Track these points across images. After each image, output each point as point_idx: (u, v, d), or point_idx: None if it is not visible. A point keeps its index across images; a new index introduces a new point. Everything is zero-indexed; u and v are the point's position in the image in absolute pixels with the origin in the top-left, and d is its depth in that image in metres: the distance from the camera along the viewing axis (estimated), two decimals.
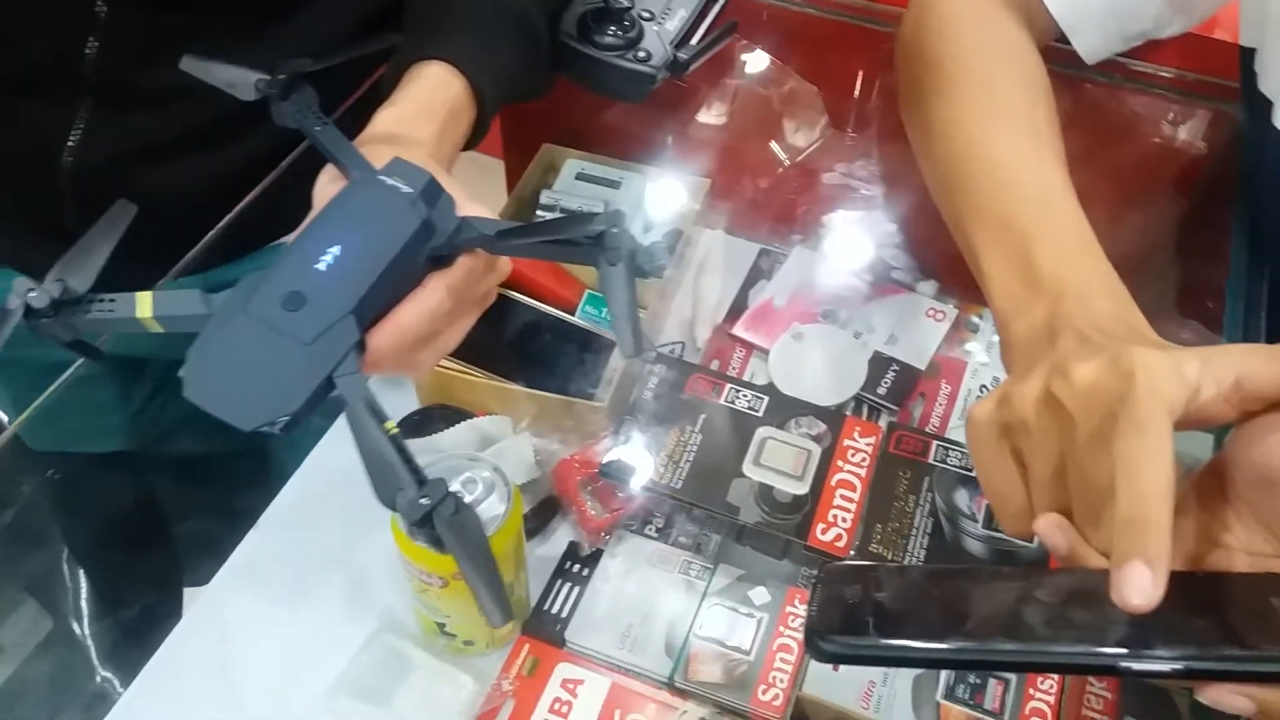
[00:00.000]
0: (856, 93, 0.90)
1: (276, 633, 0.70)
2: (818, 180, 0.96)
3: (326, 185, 0.55)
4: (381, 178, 0.52)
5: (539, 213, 0.89)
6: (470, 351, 0.79)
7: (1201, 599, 0.40)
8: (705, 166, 0.95)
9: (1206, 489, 0.45)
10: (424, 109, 0.61)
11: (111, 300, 0.49)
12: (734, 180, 0.99)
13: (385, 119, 0.59)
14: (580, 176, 0.91)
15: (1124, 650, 0.36)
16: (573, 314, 0.84)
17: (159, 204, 0.64)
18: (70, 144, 0.68)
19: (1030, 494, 0.45)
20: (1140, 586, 0.36)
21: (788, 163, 0.99)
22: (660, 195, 0.92)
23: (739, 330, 0.89)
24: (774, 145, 1.00)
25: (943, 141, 0.59)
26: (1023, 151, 0.56)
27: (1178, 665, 0.35)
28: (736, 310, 0.91)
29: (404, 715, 0.66)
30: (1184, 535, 0.45)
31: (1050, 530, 0.42)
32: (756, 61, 1.00)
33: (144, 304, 0.49)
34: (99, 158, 0.69)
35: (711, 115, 1.02)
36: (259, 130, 0.57)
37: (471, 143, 0.65)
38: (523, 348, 0.82)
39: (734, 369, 0.87)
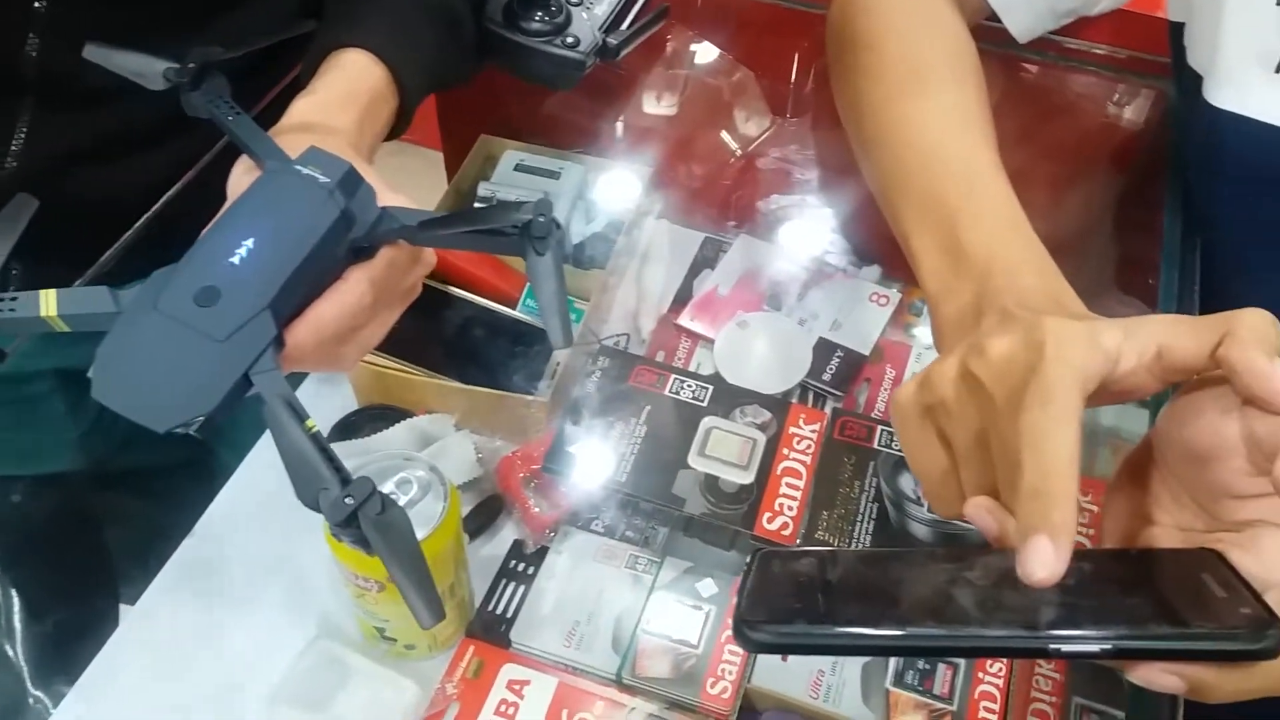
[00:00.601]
0: (793, 78, 0.89)
1: (213, 642, 0.68)
2: (760, 168, 0.95)
3: (241, 177, 0.53)
4: (297, 167, 0.50)
5: (476, 204, 0.88)
6: (408, 349, 0.77)
7: (1132, 577, 0.39)
8: (648, 156, 0.94)
9: (1139, 466, 0.45)
10: (342, 97, 0.59)
11: (13, 299, 0.47)
12: (677, 169, 0.98)
13: (302, 108, 0.58)
14: (519, 168, 0.89)
15: (1053, 632, 0.35)
16: (514, 308, 0.83)
17: (105, 205, 0.62)
18: (14, 148, 0.66)
19: (960, 472, 0.44)
20: (1043, 560, 0.35)
21: (739, 152, 0.98)
22: (601, 185, 0.91)
23: (684, 320, 0.88)
24: (724, 135, 0.99)
25: (872, 121, 0.59)
26: (951, 130, 0.55)
27: (1107, 645, 0.35)
28: (681, 300, 0.90)
29: None
30: (1118, 513, 0.45)
31: (978, 513, 0.42)
32: (704, 52, 0.99)
33: (48, 302, 0.47)
34: (43, 160, 0.67)
35: (654, 104, 1.01)
36: (207, 128, 0.55)
37: (395, 132, 0.63)
38: (462, 344, 0.81)
39: (680, 359, 0.86)
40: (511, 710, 0.65)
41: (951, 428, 0.43)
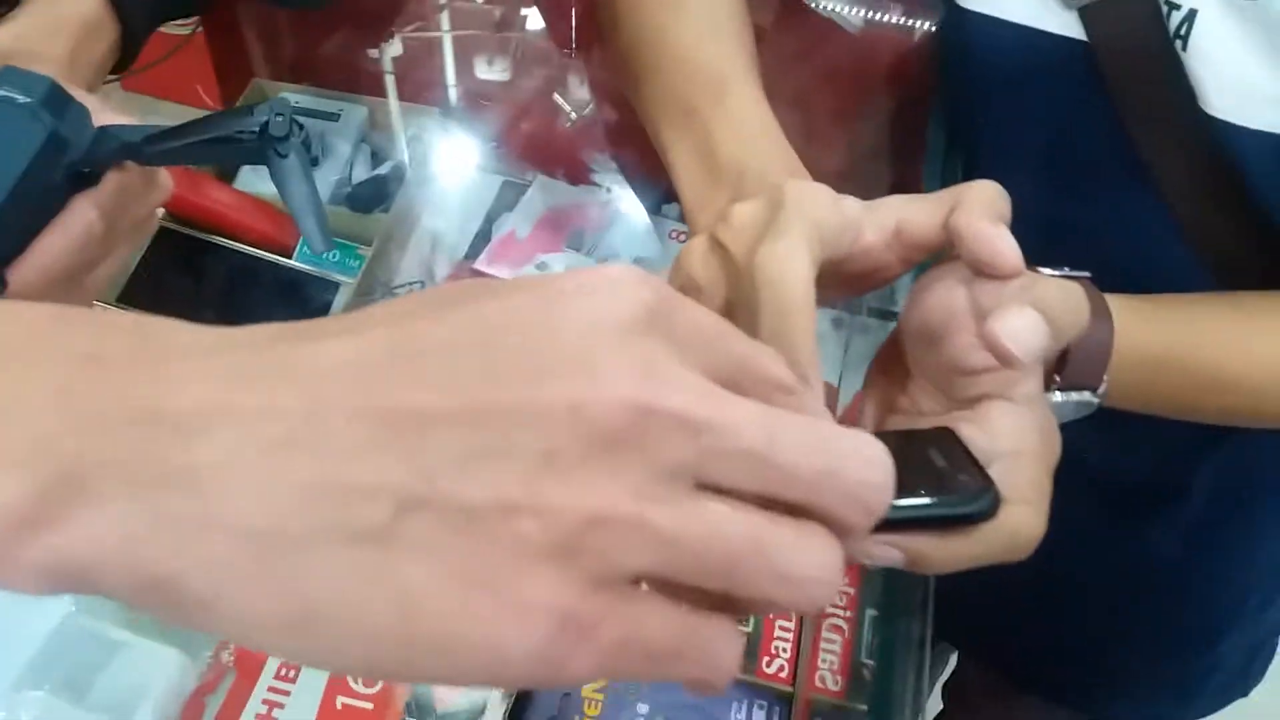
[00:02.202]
0: (574, 10, 0.87)
1: None
2: (554, 106, 0.93)
3: None
4: None
5: None
6: (176, 307, 0.72)
7: None
8: (438, 97, 0.91)
9: (888, 359, 0.45)
10: (49, 25, 0.53)
11: None
12: (471, 111, 0.94)
13: (1, 37, 0.52)
14: (295, 110, 0.84)
15: None
16: (290, 257, 0.78)
17: None
18: None
19: None
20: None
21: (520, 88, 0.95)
22: (385, 127, 0.87)
23: (481, 265, 0.85)
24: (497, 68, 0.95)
25: (629, 34, 0.57)
26: (703, 39, 0.54)
27: None
28: (480, 245, 0.87)
29: (107, 703, 0.59)
30: (869, 407, 0.45)
31: None
32: None
33: None
34: None
35: (424, 33, 0.97)
36: None
37: (121, 65, 0.58)
38: (236, 298, 0.76)
39: None
40: (294, 673, 0.61)
41: (701, 305, 0.42)
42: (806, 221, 0.38)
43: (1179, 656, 0.75)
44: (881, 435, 0.41)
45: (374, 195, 0.82)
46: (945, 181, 0.62)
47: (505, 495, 0.20)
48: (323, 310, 0.75)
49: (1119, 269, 0.50)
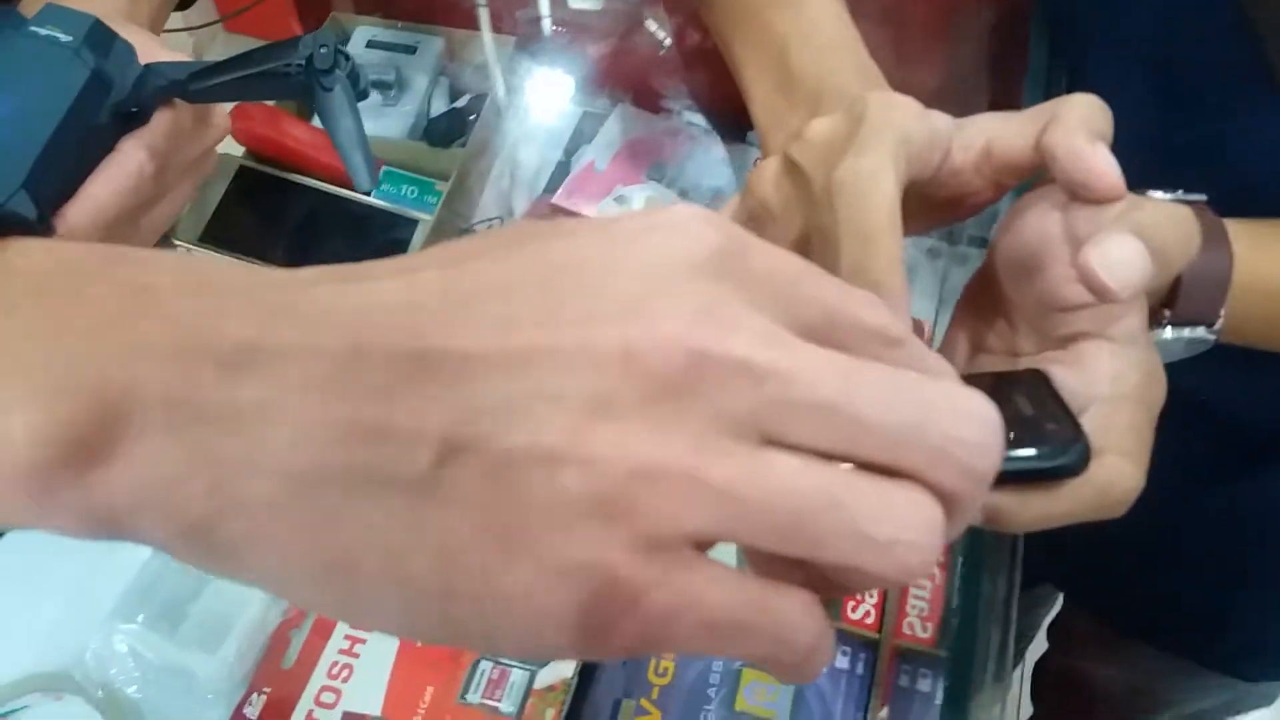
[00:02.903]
0: None
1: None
2: (635, 35, 0.89)
3: None
4: (32, 29, 0.45)
5: None
6: (255, 245, 0.72)
7: None
8: (523, 27, 0.88)
9: (977, 295, 0.42)
10: None
11: None
12: (552, 42, 0.92)
13: None
14: (371, 44, 0.83)
15: None
16: (369, 194, 0.78)
17: None
18: None
19: None
20: None
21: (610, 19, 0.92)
22: (463, 60, 0.85)
23: (560, 199, 0.83)
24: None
25: None
26: None
27: None
28: (560, 179, 0.85)
29: (197, 635, 0.61)
30: (954, 346, 0.42)
31: None
32: None
33: None
34: None
35: None
36: None
37: (185, 2, 0.57)
38: (314, 236, 0.76)
39: None
40: None
41: (774, 234, 0.39)
42: (892, 136, 0.35)
43: None
44: (968, 380, 0.38)
45: (452, 129, 0.80)
46: (1050, 93, 0.57)
47: (548, 443, 0.19)
48: (400, 248, 0.74)
49: (1241, 194, 0.46)
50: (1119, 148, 0.36)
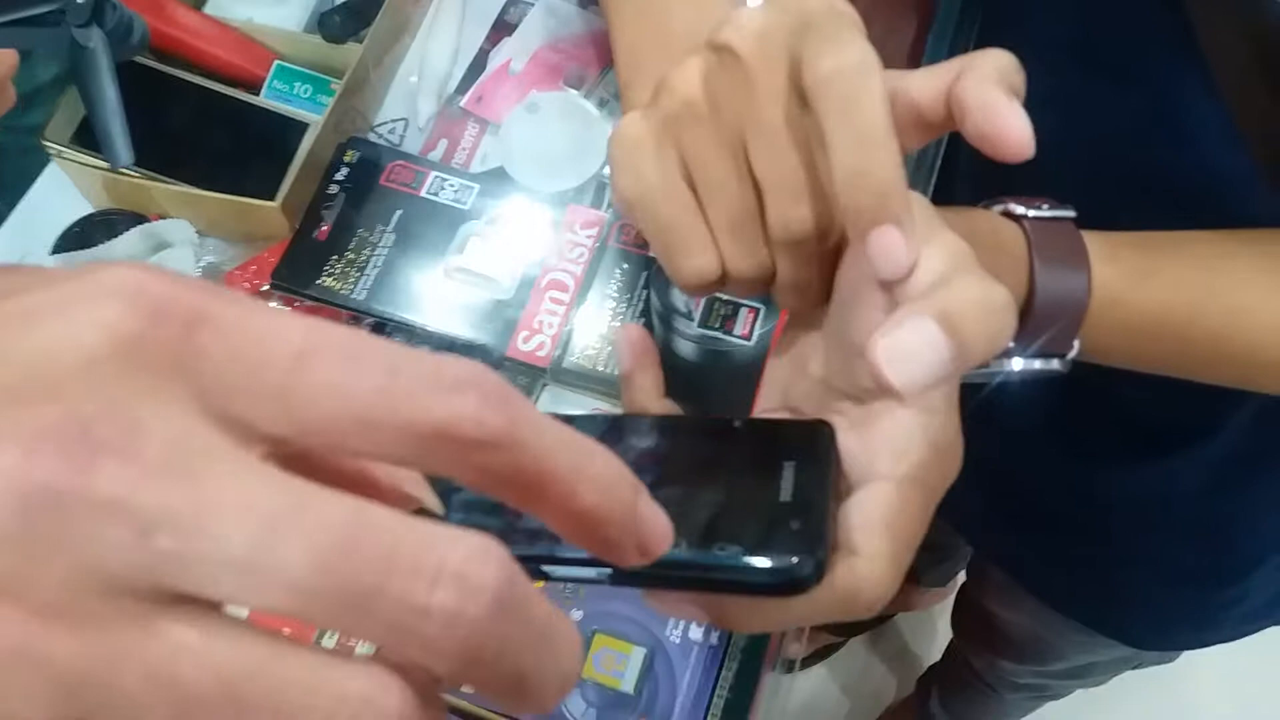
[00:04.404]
0: None
1: None
2: None
3: None
4: None
5: None
6: (136, 149, 0.68)
7: (709, 464, 0.32)
8: None
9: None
10: None
11: None
12: None
13: None
14: None
15: (543, 553, 0.28)
16: (257, 93, 0.72)
17: None
18: None
19: (707, 213, 0.35)
20: (896, 256, 0.29)
21: None
22: None
23: (470, 103, 0.77)
24: None
25: None
26: None
27: (600, 571, 0.28)
28: (474, 78, 0.79)
29: None
30: (784, 357, 0.38)
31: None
32: None
33: None
34: None
35: None
36: None
37: None
38: (198, 138, 0.71)
39: (465, 150, 0.76)
40: None
41: (703, 136, 0.33)
42: (855, 25, 0.31)
43: (1199, 587, 0.68)
44: (747, 422, 0.34)
45: (350, 21, 0.74)
46: (955, 49, 0.51)
47: None
48: (286, 154, 0.69)
49: (1152, 174, 0.41)
50: (1032, 115, 0.31)
